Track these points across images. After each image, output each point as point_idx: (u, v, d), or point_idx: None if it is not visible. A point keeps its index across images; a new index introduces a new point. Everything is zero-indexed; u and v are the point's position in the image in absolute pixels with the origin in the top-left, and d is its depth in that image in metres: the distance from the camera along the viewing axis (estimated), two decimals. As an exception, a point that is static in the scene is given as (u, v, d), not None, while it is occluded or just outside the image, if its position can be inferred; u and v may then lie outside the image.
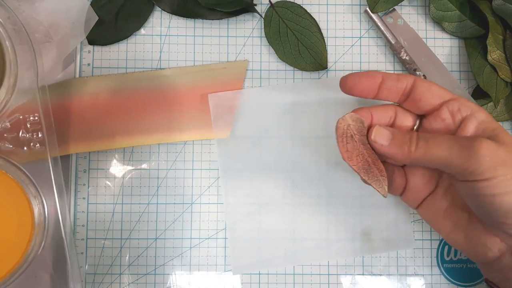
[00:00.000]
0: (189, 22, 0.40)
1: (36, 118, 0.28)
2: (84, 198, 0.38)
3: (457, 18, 0.40)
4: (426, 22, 0.41)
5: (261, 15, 0.40)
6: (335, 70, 0.40)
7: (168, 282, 0.38)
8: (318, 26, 0.40)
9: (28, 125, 0.28)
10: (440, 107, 0.33)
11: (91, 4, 0.39)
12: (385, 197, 0.33)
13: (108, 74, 0.39)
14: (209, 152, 0.39)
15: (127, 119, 0.38)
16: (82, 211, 0.38)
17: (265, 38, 0.40)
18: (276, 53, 0.40)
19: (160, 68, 0.40)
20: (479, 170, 0.29)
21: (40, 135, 0.28)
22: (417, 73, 0.39)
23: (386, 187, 0.33)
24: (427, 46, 0.40)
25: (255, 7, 0.40)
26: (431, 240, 0.39)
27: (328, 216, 0.39)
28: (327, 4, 0.41)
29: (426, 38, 0.41)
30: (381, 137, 0.32)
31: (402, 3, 0.40)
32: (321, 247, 0.39)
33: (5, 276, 0.28)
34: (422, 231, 0.39)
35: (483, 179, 0.29)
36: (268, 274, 0.39)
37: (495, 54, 0.39)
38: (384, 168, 0.33)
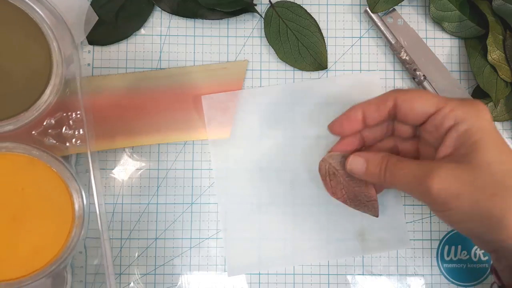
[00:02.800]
0: (189, 22, 0.40)
1: (79, 115, 0.29)
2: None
3: (457, 18, 0.40)
4: (426, 22, 0.41)
5: (261, 15, 0.40)
6: (335, 70, 0.40)
7: (168, 282, 0.38)
8: (318, 26, 0.40)
9: (71, 122, 0.29)
10: (426, 120, 0.32)
11: (91, 4, 0.39)
12: (376, 217, 0.36)
13: (108, 75, 0.39)
14: (209, 152, 0.39)
15: (127, 119, 0.38)
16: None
17: (265, 38, 0.40)
18: (276, 53, 0.40)
19: (160, 68, 0.40)
20: (432, 206, 0.30)
21: (81, 132, 0.29)
22: (417, 73, 0.39)
23: (376, 209, 0.35)
24: (427, 46, 0.40)
25: (255, 7, 0.40)
26: (431, 240, 0.39)
27: (327, 216, 0.39)
28: (327, 4, 0.41)
29: (426, 38, 0.41)
30: (356, 166, 0.33)
31: (402, 3, 0.40)
32: (318, 247, 0.39)
33: (45, 266, 0.29)
34: (422, 231, 0.39)
35: (439, 210, 0.30)
36: (268, 274, 0.39)
37: (495, 54, 0.39)
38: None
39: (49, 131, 0.30)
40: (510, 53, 0.39)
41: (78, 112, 0.29)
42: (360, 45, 0.41)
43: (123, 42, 0.40)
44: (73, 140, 0.30)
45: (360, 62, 0.41)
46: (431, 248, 0.39)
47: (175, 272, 0.38)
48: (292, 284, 0.39)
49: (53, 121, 0.30)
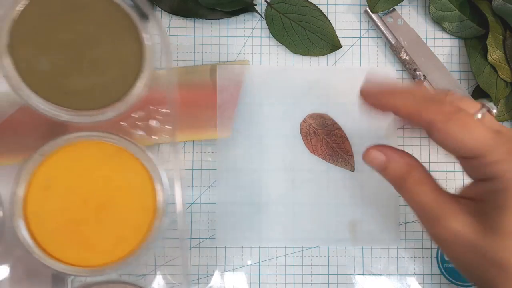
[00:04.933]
0: (189, 22, 0.40)
1: (168, 110, 0.30)
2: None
3: (457, 18, 0.40)
4: (426, 22, 0.41)
5: (261, 15, 0.40)
6: (336, 70, 0.40)
7: (169, 283, 0.38)
8: (320, 10, 0.40)
9: (160, 116, 0.31)
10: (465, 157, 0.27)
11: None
12: (352, 171, 0.39)
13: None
14: (209, 152, 0.39)
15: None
16: None
17: (273, 38, 0.40)
18: (288, 48, 0.40)
19: (160, 68, 0.40)
20: (435, 243, 0.28)
21: (169, 126, 0.30)
22: (417, 73, 0.39)
23: (352, 164, 0.39)
24: (427, 46, 0.40)
25: (255, 7, 0.40)
26: (431, 240, 0.39)
27: (322, 206, 0.39)
28: (327, 4, 0.41)
29: (426, 38, 0.41)
30: (375, 160, 0.30)
31: (402, 3, 0.40)
32: (311, 231, 0.39)
33: (126, 256, 0.29)
34: (422, 231, 0.39)
35: (440, 247, 0.28)
36: (268, 274, 0.39)
37: (495, 54, 0.39)
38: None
39: (137, 123, 0.31)
40: (510, 53, 0.39)
41: (166, 107, 0.30)
42: (360, 45, 0.41)
43: (123, 42, 0.40)
44: (160, 132, 0.31)
45: (360, 62, 0.41)
46: (431, 248, 0.39)
47: (175, 272, 0.38)
48: (292, 284, 0.39)
49: (141, 114, 0.31)
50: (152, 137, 0.31)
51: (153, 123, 0.31)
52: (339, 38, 0.40)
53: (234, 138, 0.40)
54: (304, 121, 0.39)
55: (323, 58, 0.40)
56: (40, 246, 0.29)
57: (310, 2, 0.40)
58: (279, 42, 0.40)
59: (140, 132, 0.31)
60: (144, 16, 0.29)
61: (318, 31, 0.40)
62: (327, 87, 0.40)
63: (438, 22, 0.40)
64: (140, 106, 0.30)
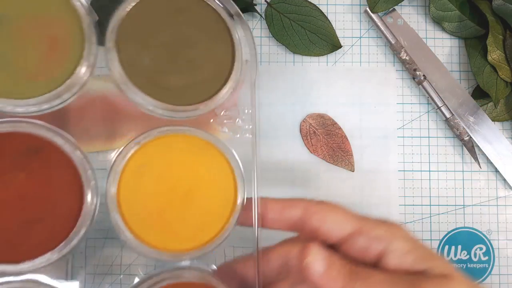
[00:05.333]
0: (189, 22, 0.40)
1: (250, 111, 0.32)
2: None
3: (457, 18, 0.40)
4: (426, 22, 0.41)
5: (261, 15, 0.40)
6: (336, 70, 0.40)
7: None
8: (320, 10, 0.40)
9: (243, 116, 0.33)
10: (344, 242, 0.27)
11: (90, 4, 0.39)
12: (352, 171, 0.39)
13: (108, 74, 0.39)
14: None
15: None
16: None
17: (273, 38, 0.40)
18: (288, 48, 0.40)
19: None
20: None
21: (250, 127, 0.33)
22: (417, 73, 0.39)
23: (352, 164, 0.39)
24: (427, 46, 0.40)
25: (255, 7, 0.40)
26: (431, 240, 0.39)
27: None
28: (327, 4, 0.41)
29: (426, 38, 0.41)
30: (317, 263, 0.26)
31: (402, 3, 0.40)
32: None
33: (208, 243, 0.31)
34: (422, 231, 0.39)
35: None
36: (268, 274, 0.39)
37: (495, 54, 0.39)
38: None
39: (224, 121, 0.32)
40: (510, 53, 0.39)
41: (249, 109, 0.33)
42: (360, 45, 0.41)
43: (123, 42, 0.40)
44: (242, 132, 0.33)
45: (360, 62, 0.41)
46: (431, 248, 0.39)
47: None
48: (292, 284, 0.39)
49: (228, 113, 0.32)
50: (237, 135, 0.33)
51: (239, 122, 0.33)
52: (339, 38, 0.40)
53: (234, 138, 0.39)
54: (304, 121, 0.39)
55: (323, 58, 0.40)
56: (129, 228, 0.30)
57: (310, 2, 0.40)
58: (279, 42, 0.40)
59: (225, 130, 0.32)
60: (231, 16, 0.32)
61: (318, 31, 0.40)
62: (327, 87, 0.40)
63: (438, 22, 0.40)
64: (227, 105, 0.32)
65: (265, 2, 0.40)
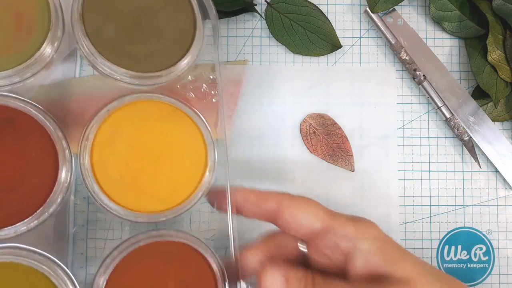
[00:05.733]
0: (189, 22, 0.40)
1: (212, 77, 0.34)
2: (84, 198, 0.38)
3: (457, 18, 0.40)
4: (426, 22, 0.41)
5: (261, 15, 0.40)
6: (336, 70, 0.40)
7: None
8: (320, 10, 0.40)
9: (209, 81, 0.34)
10: (315, 238, 0.28)
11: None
12: (352, 171, 0.39)
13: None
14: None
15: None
16: (82, 211, 0.38)
17: (273, 38, 0.40)
18: (288, 48, 0.40)
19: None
20: None
21: (217, 92, 0.34)
22: (417, 73, 0.39)
23: (352, 164, 0.39)
24: (427, 46, 0.40)
25: (255, 7, 0.40)
26: (431, 240, 0.39)
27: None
28: (327, 4, 0.41)
29: (426, 38, 0.41)
30: (272, 285, 0.26)
31: (402, 3, 0.40)
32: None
33: (180, 204, 0.32)
34: (422, 231, 0.39)
35: None
36: (268, 274, 0.39)
37: (495, 54, 0.39)
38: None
39: (191, 86, 0.34)
40: (510, 53, 0.39)
41: (214, 74, 0.34)
42: (360, 45, 0.41)
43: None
44: (209, 97, 0.34)
45: (360, 62, 0.41)
46: (431, 248, 0.39)
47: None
48: (292, 284, 0.39)
49: (193, 78, 0.34)
50: (204, 100, 0.34)
51: (204, 88, 0.34)
52: (339, 38, 0.40)
53: (234, 138, 0.40)
54: (304, 121, 0.39)
55: (323, 58, 0.40)
56: (104, 193, 0.32)
57: (310, 2, 0.40)
58: (279, 42, 0.40)
59: (192, 95, 0.34)
60: None
61: (318, 31, 0.40)
62: (327, 87, 0.40)
63: (438, 22, 0.40)
64: (193, 71, 0.34)
65: (265, 2, 0.40)
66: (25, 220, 0.30)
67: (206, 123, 0.33)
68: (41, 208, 0.30)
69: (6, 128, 0.31)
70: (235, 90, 0.39)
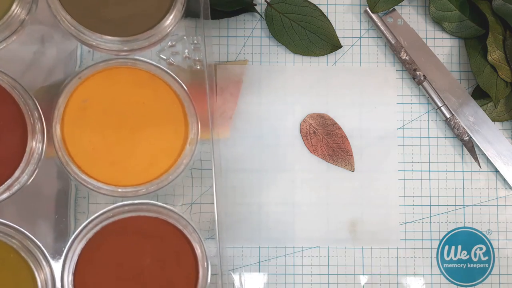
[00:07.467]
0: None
1: (196, 42, 0.32)
2: (84, 198, 0.38)
3: (457, 18, 0.40)
4: (426, 22, 0.41)
5: (261, 15, 0.40)
6: (336, 70, 0.40)
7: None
8: (320, 10, 0.40)
9: (192, 46, 0.32)
10: None
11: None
12: (352, 171, 0.39)
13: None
14: (209, 152, 0.39)
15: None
16: (83, 212, 0.38)
17: (273, 38, 0.40)
18: (288, 48, 0.40)
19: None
20: None
21: (200, 57, 0.32)
22: (417, 73, 0.39)
23: (352, 164, 0.39)
24: (427, 46, 0.40)
25: (255, 7, 0.40)
26: (431, 240, 0.39)
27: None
28: (327, 4, 0.41)
29: (426, 38, 0.41)
30: None
31: (402, 3, 0.40)
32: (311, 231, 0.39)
33: (158, 177, 0.30)
34: (422, 231, 0.40)
35: None
36: (268, 274, 0.39)
37: (495, 54, 0.39)
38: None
39: (171, 51, 0.32)
40: (510, 53, 0.39)
41: (197, 37, 0.32)
42: (360, 45, 0.41)
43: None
44: (192, 63, 0.32)
45: (360, 62, 0.41)
46: (431, 248, 0.39)
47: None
48: (292, 284, 0.39)
49: (174, 43, 0.32)
50: (186, 66, 0.32)
51: (186, 53, 0.32)
52: (339, 38, 0.40)
53: (233, 138, 0.40)
54: (304, 121, 0.39)
55: (323, 58, 0.40)
56: (76, 164, 0.30)
57: (310, 2, 0.40)
58: (279, 42, 0.40)
59: (172, 61, 0.32)
60: None
61: (318, 31, 0.40)
62: (327, 87, 0.40)
63: (438, 22, 0.40)
64: (173, 36, 0.32)
65: (265, 2, 0.40)
66: None
67: (188, 93, 0.31)
68: (10, 179, 0.29)
69: None
70: (235, 90, 0.39)
